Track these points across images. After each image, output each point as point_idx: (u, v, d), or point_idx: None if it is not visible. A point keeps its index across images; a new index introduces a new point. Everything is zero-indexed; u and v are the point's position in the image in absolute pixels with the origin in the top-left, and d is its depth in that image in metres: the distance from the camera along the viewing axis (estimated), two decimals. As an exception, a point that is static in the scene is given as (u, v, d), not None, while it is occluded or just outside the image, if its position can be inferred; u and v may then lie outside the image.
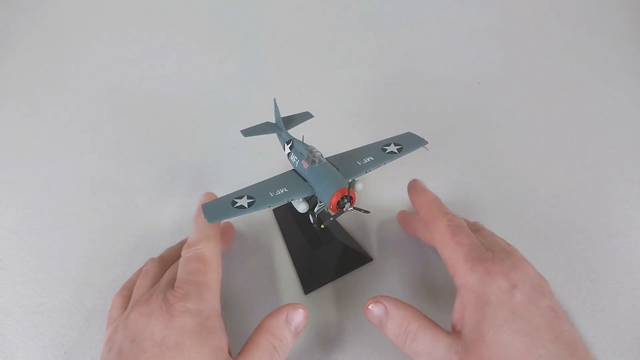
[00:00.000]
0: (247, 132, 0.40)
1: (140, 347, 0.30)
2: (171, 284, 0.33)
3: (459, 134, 0.53)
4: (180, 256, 0.36)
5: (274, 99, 0.41)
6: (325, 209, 0.36)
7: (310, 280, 0.41)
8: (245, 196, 0.34)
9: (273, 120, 0.43)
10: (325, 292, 0.40)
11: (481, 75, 0.58)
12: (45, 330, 0.39)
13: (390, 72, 0.60)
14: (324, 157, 0.36)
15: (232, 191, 0.35)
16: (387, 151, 0.39)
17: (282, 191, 0.35)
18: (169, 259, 0.40)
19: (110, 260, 0.43)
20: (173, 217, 0.46)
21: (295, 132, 0.41)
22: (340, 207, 0.34)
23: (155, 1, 0.70)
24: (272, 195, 0.34)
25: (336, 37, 0.65)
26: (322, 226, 0.35)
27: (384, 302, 0.33)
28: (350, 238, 0.44)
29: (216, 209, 0.33)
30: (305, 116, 0.43)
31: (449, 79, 0.58)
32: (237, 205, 0.33)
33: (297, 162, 0.37)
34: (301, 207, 0.36)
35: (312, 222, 0.41)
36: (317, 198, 0.36)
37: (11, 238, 0.45)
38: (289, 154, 0.39)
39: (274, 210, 0.47)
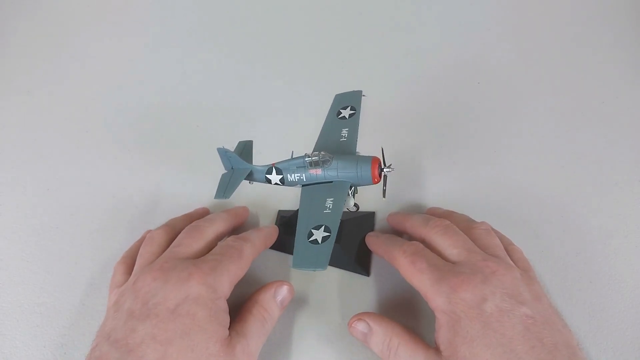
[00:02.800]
0: (224, 194, 0.36)
1: (152, 310, 0.31)
2: (189, 256, 0.36)
3: (458, 134, 0.53)
4: (183, 228, 0.39)
5: (221, 148, 0.37)
6: (356, 192, 0.37)
7: (362, 264, 0.41)
8: (311, 228, 0.32)
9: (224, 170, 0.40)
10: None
11: (481, 75, 0.58)
12: (45, 330, 0.39)
13: (389, 72, 0.60)
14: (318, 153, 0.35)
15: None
16: (348, 117, 0.39)
17: (330, 202, 0.34)
18: (175, 229, 0.41)
19: (110, 260, 0.43)
20: (172, 217, 0.46)
21: (276, 153, 0.39)
22: (380, 174, 0.34)
23: (155, 2, 0.70)
24: (329, 210, 0.33)
25: (335, 37, 0.65)
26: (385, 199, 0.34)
27: (367, 319, 0.35)
28: (347, 212, 0.43)
29: (310, 257, 0.31)
30: (248, 144, 0.40)
31: (448, 79, 0.58)
32: (323, 237, 0.32)
33: (302, 177, 0.36)
34: (351, 203, 0.36)
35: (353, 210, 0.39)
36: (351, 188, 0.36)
37: (11, 238, 0.45)
38: (281, 179, 0.37)
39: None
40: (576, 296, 0.40)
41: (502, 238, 0.40)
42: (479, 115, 0.54)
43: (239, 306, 0.36)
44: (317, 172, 0.35)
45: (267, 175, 0.37)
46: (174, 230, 0.41)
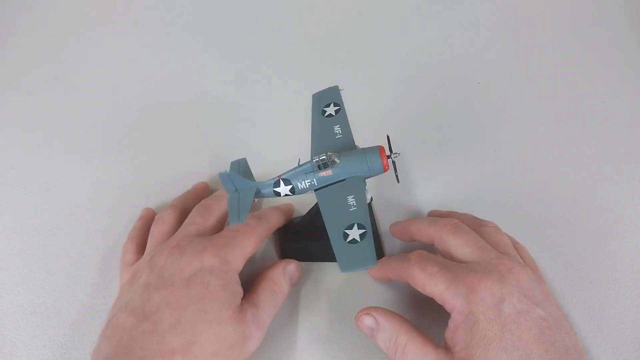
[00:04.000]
0: (239, 218, 0.34)
1: (168, 280, 0.33)
2: (201, 233, 0.38)
3: (458, 134, 0.53)
4: (193, 206, 0.41)
5: (223, 173, 0.36)
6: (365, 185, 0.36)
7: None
8: (344, 230, 0.31)
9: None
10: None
11: (481, 75, 0.58)
12: (45, 330, 0.39)
13: (388, 72, 0.60)
14: (323, 153, 0.35)
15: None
16: (335, 113, 0.39)
17: (352, 199, 0.33)
18: (183, 208, 0.43)
19: (110, 260, 0.43)
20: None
21: (276, 166, 0.39)
22: (389, 160, 0.35)
23: (156, 2, 0.70)
24: (355, 207, 0.33)
25: (335, 38, 0.65)
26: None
27: (374, 314, 0.34)
28: None
29: (356, 257, 0.30)
30: (242, 162, 0.39)
31: (448, 79, 0.58)
32: (360, 234, 0.31)
33: (313, 182, 0.35)
34: (369, 196, 0.35)
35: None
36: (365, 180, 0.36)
37: (11, 238, 0.45)
38: (291, 189, 0.36)
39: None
40: (576, 296, 0.40)
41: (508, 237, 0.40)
42: (479, 115, 0.54)
43: (250, 282, 0.38)
44: (327, 174, 0.34)
45: (275, 189, 0.36)
46: (182, 209, 0.43)
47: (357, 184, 0.34)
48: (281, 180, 0.35)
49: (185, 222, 0.40)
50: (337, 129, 0.38)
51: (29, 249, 0.44)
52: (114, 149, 0.53)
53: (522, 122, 0.53)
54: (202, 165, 0.51)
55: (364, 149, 0.35)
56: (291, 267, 0.39)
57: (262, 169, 0.50)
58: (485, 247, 0.34)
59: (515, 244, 0.39)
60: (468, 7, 0.67)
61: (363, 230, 0.31)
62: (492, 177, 0.49)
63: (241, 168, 0.38)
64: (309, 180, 0.35)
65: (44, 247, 0.45)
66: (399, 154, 0.35)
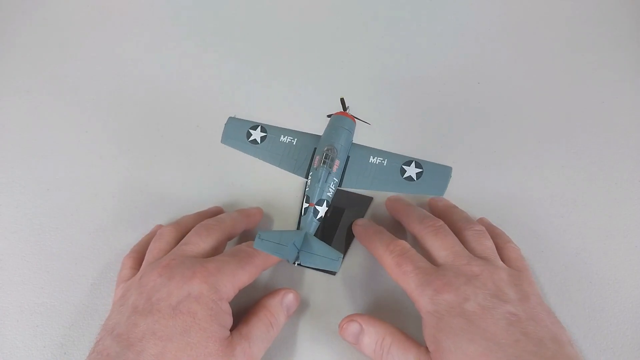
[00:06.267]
0: (339, 260, 0.32)
1: (155, 306, 0.32)
2: (197, 254, 0.36)
3: (458, 134, 0.53)
4: (193, 226, 0.39)
5: (288, 247, 0.33)
6: None
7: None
8: (402, 177, 0.33)
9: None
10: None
11: (481, 75, 0.58)
12: (45, 330, 0.39)
13: (389, 72, 0.60)
14: (322, 152, 0.35)
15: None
16: (266, 132, 0.39)
17: (374, 159, 0.35)
18: (185, 227, 0.41)
19: (111, 261, 0.43)
20: (173, 216, 0.46)
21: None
22: (346, 111, 0.37)
23: (156, 2, 0.70)
24: (384, 160, 0.34)
25: (335, 37, 0.65)
26: None
27: (358, 320, 0.35)
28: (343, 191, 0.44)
29: (436, 177, 0.33)
30: (267, 235, 0.35)
31: (448, 79, 0.58)
32: (417, 166, 0.33)
33: (335, 180, 0.34)
34: None
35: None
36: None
37: (11, 238, 0.45)
38: (327, 204, 0.34)
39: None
40: (576, 296, 0.40)
41: (500, 235, 0.40)
42: (478, 115, 0.54)
43: (245, 310, 0.36)
44: (337, 165, 0.34)
45: (317, 218, 0.34)
46: (184, 228, 0.41)
47: (360, 148, 0.36)
48: (315, 207, 0.34)
49: (182, 241, 0.38)
50: (285, 139, 0.37)
51: (29, 249, 0.44)
52: (114, 148, 0.53)
53: (521, 122, 0.53)
54: (202, 164, 0.51)
55: (333, 125, 0.36)
56: (290, 296, 0.37)
57: (267, 171, 0.50)
58: (460, 253, 0.35)
59: (506, 242, 0.39)
60: (468, 7, 0.67)
61: (412, 162, 0.33)
62: (491, 177, 0.49)
63: (270, 238, 0.33)
64: (331, 184, 0.34)
65: (44, 247, 0.45)
66: (349, 106, 0.37)
